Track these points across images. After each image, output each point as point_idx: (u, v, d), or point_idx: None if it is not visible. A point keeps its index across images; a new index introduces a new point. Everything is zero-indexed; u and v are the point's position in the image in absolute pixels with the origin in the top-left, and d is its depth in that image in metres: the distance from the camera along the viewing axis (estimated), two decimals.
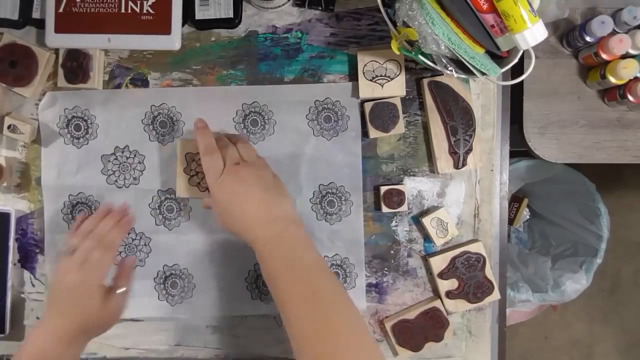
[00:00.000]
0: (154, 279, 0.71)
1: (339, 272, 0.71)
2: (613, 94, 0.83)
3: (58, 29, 0.67)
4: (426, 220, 0.69)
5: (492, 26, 0.55)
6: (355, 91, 0.69)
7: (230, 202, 0.57)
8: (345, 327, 0.53)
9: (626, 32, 0.79)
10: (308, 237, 0.59)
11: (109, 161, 0.71)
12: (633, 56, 0.79)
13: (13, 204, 0.72)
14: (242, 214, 0.57)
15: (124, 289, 0.63)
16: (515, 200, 1.45)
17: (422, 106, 0.70)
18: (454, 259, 0.69)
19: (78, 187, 0.71)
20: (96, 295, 0.60)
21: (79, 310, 0.59)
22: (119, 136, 0.71)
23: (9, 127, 0.69)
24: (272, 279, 0.56)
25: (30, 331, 0.63)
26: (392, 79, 0.68)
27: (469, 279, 0.69)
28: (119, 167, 0.71)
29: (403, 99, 0.69)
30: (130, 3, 0.67)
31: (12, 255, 0.71)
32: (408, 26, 0.56)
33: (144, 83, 0.71)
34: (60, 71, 0.69)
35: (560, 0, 0.57)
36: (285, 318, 0.54)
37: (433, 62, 0.58)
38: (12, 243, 0.71)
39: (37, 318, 0.72)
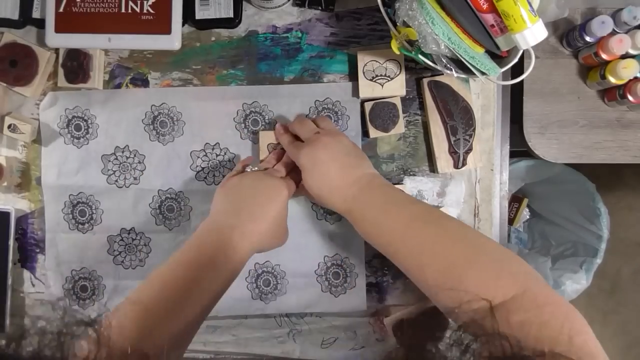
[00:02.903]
0: None
1: (339, 272, 0.71)
2: (613, 94, 0.83)
3: (58, 29, 0.67)
4: None
5: (492, 26, 0.55)
6: (355, 91, 0.69)
7: (314, 168, 0.60)
8: (459, 233, 0.54)
9: (626, 32, 0.78)
10: (392, 185, 0.62)
11: (109, 161, 0.71)
12: (633, 56, 0.79)
13: (13, 204, 0.72)
14: (327, 177, 0.60)
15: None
16: (515, 200, 1.45)
17: (422, 106, 0.70)
18: None
19: (78, 186, 0.71)
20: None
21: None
22: (119, 136, 0.71)
23: (9, 126, 0.69)
24: (371, 227, 0.58)
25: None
26: (392, 78, 0.68)
27: None
28: (119, 167, 0.71)
29: (403, 99, 0.69)
30: (130, 3, 0.67)
31: (12, 255, 0.71)
32: (408, 26, 0.56)
33: (144, 83, 0.71)
34: (61, 71, 0.69)
35: (560, 0, 0.57)
36: (397, 254, 0.55)
37: (433, 61, 0.58)
38: (12, 242, 0.71)
39: (38, 318, 0.72)
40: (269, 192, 0.61)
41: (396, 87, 0.68)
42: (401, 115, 0.68)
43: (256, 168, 0.66)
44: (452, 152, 0.68)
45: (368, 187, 0.59)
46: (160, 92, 0.71)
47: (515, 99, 0.78)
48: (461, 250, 0.51)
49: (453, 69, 0.57)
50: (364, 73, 0.68)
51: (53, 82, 0.71)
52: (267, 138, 0.69)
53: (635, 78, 0.80)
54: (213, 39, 0.70)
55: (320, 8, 0.69)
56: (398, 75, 0.68)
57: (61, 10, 0.67)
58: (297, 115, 0.70)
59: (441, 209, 0.69)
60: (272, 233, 0.62)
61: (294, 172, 0.66)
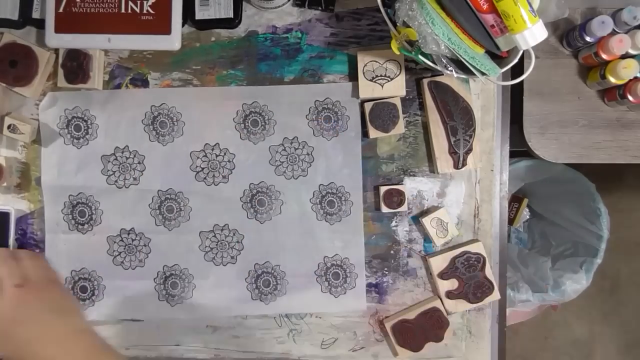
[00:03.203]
0: (154, 279, 0.71)
1: (339, 272, 0.71)
2: (613, 94, 0.83)
3: (58, 29, 0.67)
4: (426, 220, 0.69)
5: (492, 26, 0.55)
6: (355, 91, 0.69)
7: (8, 328, 0.53)
8: None
9: (626, 32, 0.78)
10: (101, 347, 0.57)
11: (109, 161, 0.71)
12: (633, 56, 0.79)
13: (13, 204, 0.72)
14: (26, 340, 0.52)
15: None
16: (515, 200, 1.45)
17: (422, 106, 0.70)
18: (454, 259, 0.69)
19: (78, 187, 0.71)
20: None
21: None
22: (119, 136, 0.71)
23: (9, 127, 0.69)
24: None
25: None
26: (392, 79, 0.68)
27: (469, 279, 0.69)
28: (119, 167, 0.71)
29: (403, 99, 0.69)
30: (130, 3, 0.67)
31: None
32: (408, 26, 0.56)
33: (144, 83, 0.71)
34: (60, 71, 0.69)
35: (560, 0, 0.57)
36: None
37: (433, 62, 0.58)
38: (12, 243, 0.71)
39: None
40: None
41: (396, 88, 0.68)
42: (401, 115, 0.68)
43: None
44: (452, 152, 0.68)
45: (71, 351, 0.54)
46: (160, 93, 0.71)
47: (515, 99, 0.78)
48: None
49: (453, 70, 0.57)
50: (364, 73, 0.68)
51: (53, 83, 0.71)
52: None
53: (635, 78, 0.80)
54: (213, 39, 0.70)
55: (320, 8, 0.69)
56: (398, 75, 0.68)
57: (61, 10, 0.67)
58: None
59: (441, 209, 0.69)
60: None
61: None
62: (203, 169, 0.71)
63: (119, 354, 0.56)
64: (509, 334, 0.73)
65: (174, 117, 0.71)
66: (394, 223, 0.71)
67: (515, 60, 0.59)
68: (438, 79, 0.69)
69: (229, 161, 0.71)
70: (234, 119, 0.70)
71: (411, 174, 0.71)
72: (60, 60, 0.69)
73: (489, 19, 0.54)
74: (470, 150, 0.69)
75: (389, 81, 0.68)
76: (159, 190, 0.71)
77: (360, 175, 0.70)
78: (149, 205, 0.71)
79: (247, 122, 0.70)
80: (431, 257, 0.70)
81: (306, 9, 0.70)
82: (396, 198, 0.69)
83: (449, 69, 0.57)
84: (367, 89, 0.68)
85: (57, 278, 0.58)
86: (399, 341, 0.69)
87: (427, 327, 0.69)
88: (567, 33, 0.83)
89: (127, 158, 0.71)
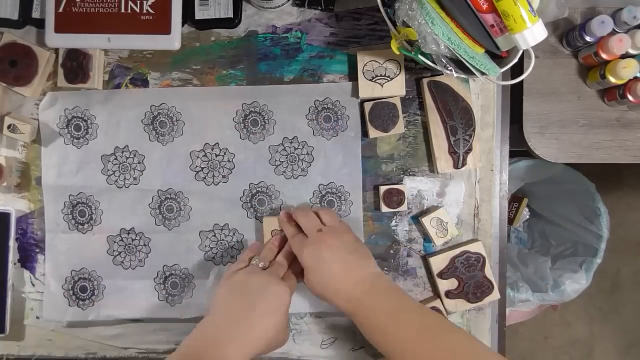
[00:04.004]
0: (154, 279, 0.71)
1: None
2: (613, 94, 0.83)
3: (58, 29, 0.67)
4: (426, 220, 0.69)
5: (492, 26, 0.55)
6: (355, 91, 0.69)
7: (317, 269, 0.60)
8: (469, 349, 0.54)
9: (626, 32, 0.79)
10: (398, 287, 0.62)
11: (109, 161, 0.71)
12: (633, 56, 0.79)
13: (13, 204, 0.72)
14: (330, 278, 0.60)
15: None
16: (515, 200, 1.45)
17: (422, 106, 0.70)
18: (454, 259, 0.69)
19: (78, 187, 0.71)
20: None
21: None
22: (119, 136, 0.71)
23: (9, 127, 0.69)
24: (377, 334, 0.58)
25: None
26: (392, 79, 0.68)
27: (469, 279, 0.69)
28: (119, 168, 0.71)
29: (403, 99, 0.69)
30: (130, 3, 0.67)
31: (13, 255, 0.71)
32: (408, 26, 0.56)
33: (144, 83, 0.71)
34: (61, 71, 0.69)
35: (560, 0, 0.57)
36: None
37: (433, 62, 0.58)
38: (12, 243, 0.71)
39: (38, 318, 0.72)
40: (272, 302, 0.59)
41: (396, 88, 0.68)
42: (401, 115, 0.68)
43: (262, 264, 0.63)
44: (452, 152, 0.68)
45: (372, 291, 0.59)
46: (160, 93, 0.71)
47: (515, 99, 0.78)
48: None
49: (453, 69, 0.57)
50: (364, 73, 0.68)
51: (53, 83, 0.71)
52: (271, 224, 0.69)
53: (635, 78, 0.80)
54: (213, 39, 0.70)
55: (320, 8, 0.69)
56: (398, 75, 0.68)
57: (61, 10, 0.67)
58: (301, 205, 0.70)
59: (441, 209, 0.69)
60: (270, 342, 0.59)
61: (296, 262, 0.65)
62: (203, 169, 0.71)
63: (412, 298, 0.61)
64: (509, 334, 0.73)
65: (174, 117, 0.71)
66: (394, 223, 0.71)
67: (515, 60, 0.59)
68: (438, 79, 0.69)
69: (229, 161, 0.71)
70: (234, 119, 0.70)
71: (411, 174, 0.71)
72: (60, 60, 0.69)
73: (489, 19, 0.54)
74: (470, 150, 0.69)
75: (389, 81, 0.68)
76: (159, 190, 0.71)
77: (360, 175, 0.70)
78: (149, 205, 0.71)
79: (247, 122, 0.70)
80: (431, 257, 0.70)
81: (306, 9, 0.70)
82: (396, 198, 0.69)
83: (449, 69, 0.57)
84: (367, 89, 0.68)
85: (349, 229, 0.65)
86: None
87: None
88: (567, 33, 0.83)
89: (127, 158, 0.71)
